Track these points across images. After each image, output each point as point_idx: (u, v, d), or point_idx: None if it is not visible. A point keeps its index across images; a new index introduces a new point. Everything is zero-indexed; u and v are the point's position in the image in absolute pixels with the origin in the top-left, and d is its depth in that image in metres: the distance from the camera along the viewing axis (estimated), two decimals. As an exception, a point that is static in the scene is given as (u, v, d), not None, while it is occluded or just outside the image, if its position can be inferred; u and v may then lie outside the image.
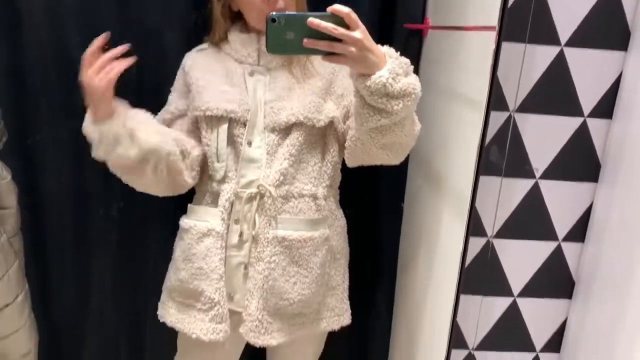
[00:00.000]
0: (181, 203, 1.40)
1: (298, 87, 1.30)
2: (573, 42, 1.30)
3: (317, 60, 1.33)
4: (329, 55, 1.00)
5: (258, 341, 1.32)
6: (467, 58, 1.32)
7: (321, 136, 1.34)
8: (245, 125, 1.28)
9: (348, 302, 1.46)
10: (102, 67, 1.14)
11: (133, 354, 1.82)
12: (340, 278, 1.43)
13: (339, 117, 1.31)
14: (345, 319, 1.46)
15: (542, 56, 1.30)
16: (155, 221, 1.65)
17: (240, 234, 1.30)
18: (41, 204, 1.64)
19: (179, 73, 1.39)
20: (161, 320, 1.40)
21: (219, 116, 1.28)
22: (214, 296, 1.30)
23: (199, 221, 1.33)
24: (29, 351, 1.53)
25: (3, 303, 1.40)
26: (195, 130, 1.36)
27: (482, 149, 1.14)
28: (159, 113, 1.38)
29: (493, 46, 1.09)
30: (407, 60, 1.08)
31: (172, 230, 1.41)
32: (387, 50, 1.06)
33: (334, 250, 1.39)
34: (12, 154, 1.49)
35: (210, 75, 1.32)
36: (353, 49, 0.99)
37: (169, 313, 1.39)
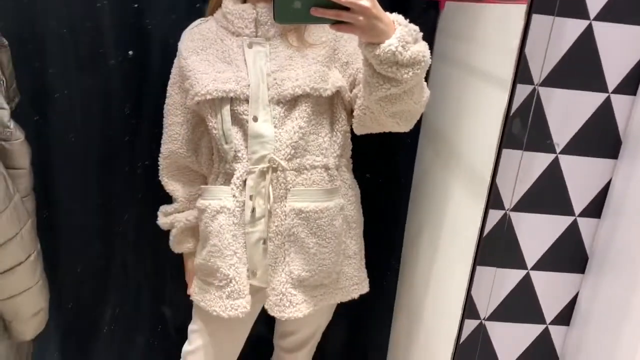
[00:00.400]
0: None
1: (300, 55, 1.28)
2: (602, 16, 1.28)
3: (318, 27, 1.31)
4: (336, 24, 0.98)
5: (284, 314, 1.34)
6: (487, 31, 1.31)
7: (329, 106, 1.33)
8: (247, 101, 1.27)
9: (365, 271, 1.48)
10: None
11: (149, 316, 1.86)
12: (357, 247, 1.44)
13: (345, 86, 1.30)
14: (364, 287, 1.47)
15: (570, 30, 1.29)
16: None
17: (253, 210, 1.31)
18: (54, 164, 1.66)
19: (176, 60, 1.38)
20: (190, 298, 1.44)
21: (220, 98, 1.27)
22: (228, 272, 1.32)
23: (212, 200, 1.34)
24: (41, 309, 1.55)
25: (16, 261, 1.42)
26: (194, 132, 1.41)
27: (507, 123, 1.14)
28: (164, 143, 1.45)
29: (522, 20, 1.08)
30: (416, 27, 1.06)
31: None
32: (396, 18, 1.04)
33: (349, 219, 1.40)
34: (26, 114, 1.51)
35: (204, 56, 1.31)
36: (361, 17, 0.98)
37: (195, 291, 1.42)
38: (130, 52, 1.57)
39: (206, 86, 1.27)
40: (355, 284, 1.44)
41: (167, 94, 1.40)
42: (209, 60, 1.30)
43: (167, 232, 1.61)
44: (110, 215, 1.70)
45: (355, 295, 1.45)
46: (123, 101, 1.59)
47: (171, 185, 1.48)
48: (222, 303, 1.34)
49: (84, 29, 1.52)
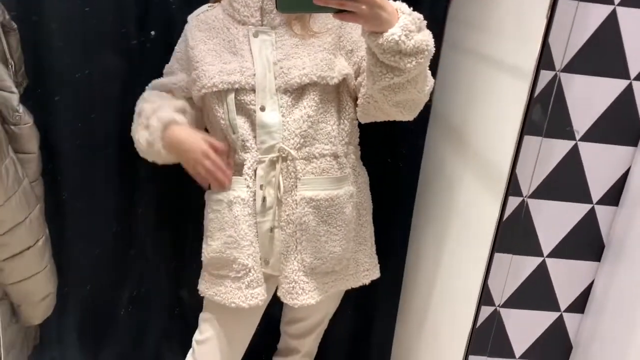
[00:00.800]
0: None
1: (306, 43, 1.27)
2: (626, 2, 1.26)
3: (322, 14, 1.29)
4: (339, 12, 0.97)
5: (297, 302, 1.34)
6: (501, 19, 1.29)
7: (336, 94, 1.32)
8: (254, 91, 1.26)
9: (376, 257, 1.48)
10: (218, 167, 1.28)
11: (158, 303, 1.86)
12: (368, 233, 1.44)
13: (351, 73, 1.29)
14: (375, 273, 1.47)
15: (593, 15, 1.27)
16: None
17: (264, 200, 1.31)
18: (73, 146, 1.64)
19: (181, 43, 1.37)
20: (202, 295, 1.41)
21: (225, 89, 1.26)
22: (247, 262, 1.31)
23: (225, 190, 1.33)
24: (49, 294, 1.56)
25: (25, 246, 1.42)
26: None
27: (529, 109, 1.12)
28: (164, 77, 1.41)
29: (544, 7, 1.06)
30: (420, 16, 1.04)
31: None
32: (399, 6, 1.03)
33: (358, 206, 1.40)
34: (34, 99, 1.48)
35: (211, 45, 1.29)
36: (364, 6, 0.96)
37: (206, 287, 1.40)
38: (153, 33, 1.54)
39: (212, 78, 1.26)
40: (366, 269, 1.44)
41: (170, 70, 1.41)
42: (215, 51, 1.29)
43: (186, 214, 1.59)
44: (128, 197, 1.69)
45: (367, 281, 1.45)
46: (144, 82, 1.56)
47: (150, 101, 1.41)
48: (241, 293, 1.34)
49: (106, 7, 1.50)
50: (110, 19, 1.52)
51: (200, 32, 1.31)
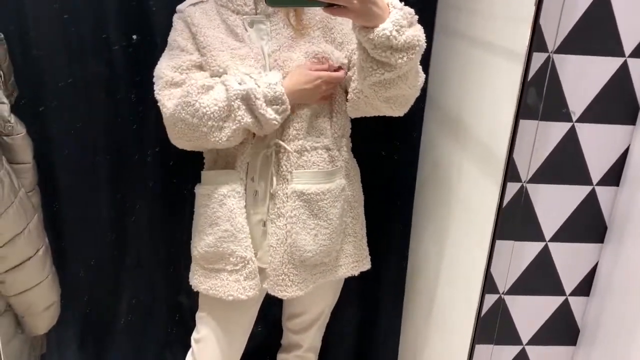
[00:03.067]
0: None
1: (299, 35, 1.27)
2: (617, -20, 1.24)
3: (310, 8, 1.28)
4: (330, 7, 0.96)
5: (286, 294, 1.34)
6: (492, 1, 1.28)
7: None
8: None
9: (367, 249, 1.48)
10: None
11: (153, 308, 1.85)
12: (359, 225, 1.45)
13: (345, 63, 1.29)
14: (365, 265, 1.48)
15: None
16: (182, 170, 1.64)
17: (256, 193, 1.31)
18: (62, 157, 1.63)
19: (181, 27, 1.29)
20: (195, 290, 1.41)
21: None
22: (245, 254, 1.32)
23: (219, 184, 1.32)
24: (53, 303, 1.56)
25: (25, 256, 1.42)
26: None
27: (523, 93, 1.11)
28: (173, 58, 1.28)
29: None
30: (411, 10, 1.03)
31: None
32: (390, 1, 1.02)
33: (350, 199, 1.40)
34: (25, 110, 1.48)
35: (216, 32, 1.26)
36: (355, 0, 0.95)
37: (200, 281, 1.40)
38: (135, 37, 1.52)
39: (225, 62, 1.24)
40: (355, 261, 1.45)
41: (180, 46, 1.29)
42: (220, 38, 1.26)
43: (180, 219, 1.58)
44: (122, 205, 1.69)
45: (356, 272, 1.46)
46: (129, 88, 1.55)
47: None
48: (239, 286, 1.34)
49: (86, 15, 1.48)
50: (90, 26, 1.50)
51: (200, 21, 1.27)
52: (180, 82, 1.25)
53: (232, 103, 1.19)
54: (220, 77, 1.24)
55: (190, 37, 1.28)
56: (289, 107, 1.22)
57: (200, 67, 1.28)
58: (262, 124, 1.22)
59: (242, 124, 1.21)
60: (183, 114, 1.21)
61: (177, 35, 1.29)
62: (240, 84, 1.20)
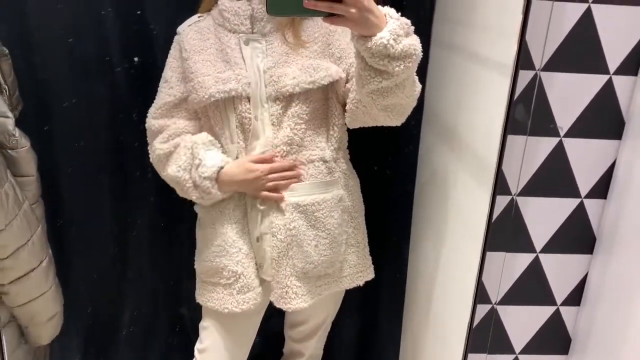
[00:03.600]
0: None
1: (296, 52, 1.29)
2: (600, -2, 1.29)
3: (311, 22, 1.31)
4: (329, 16, 0.99)
5: (290, 306, 1.36)
6: (486, 17, 1.31)
7: (324, 101, 1.34)
8: (249, 99, 1.28)
9: (370, 258, 1.50)
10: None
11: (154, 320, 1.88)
12: (360, 235, 1.46)
13: (343, 77, 1.31)
14: (369, 274, 1.49)
15: (569, 14, 1.29)
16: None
17: (252, 207, 1.34)
18: (66, 172, 1.67)
19: (175, 53, 1.38)
20: (198, 302, 1.44)
21: (223, 99, 1.28)
22: (236, 268, 1.34)
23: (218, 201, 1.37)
24: (56, 313, 1.58)
25: (29, 268, 1.44)
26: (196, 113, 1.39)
27: (510, 109, 1.14)
28: (160, 93, 1.40)
29: (522, 6, 1.09)
30: (408, 21, 1.07)
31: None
32: (387, 11, 1.05)
33: (349, 209, 1.42)
34: (33, 123, 1.51)
35: (205, 56, 1.31)
36: (353, 10, 0.99)
37: (200, 293, 1.43)
38: (136, 59, 1.57)
39: (208, 89, 1.28)
40: (359, 271, 1.46)
41: (165, 77, 1.40)
42: (209, 61, 1.30)
43: (180, 233, 1.61)
44: (124, 220, 1.72)
45: (360, 283, 1.47)
46: (131, 107, 1.60)
47: (162, 121, 1.41)
48: (233, 299, 1.36)
49: (89, 37, 1.53)
50: (93, 47, 1.55)
51: (193, 42, 1.33)
52: (161, 129, 1.40)
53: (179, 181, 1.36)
54: (205, 102, 1.30)
55: (178, 66, 1.37)
56: (218, 193, 1.33)
57: (183, 99, 1.37)
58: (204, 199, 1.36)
59: (192, 196, 1.36)
60: (162, 174, 1.41)
61: (168, 64, 1.40)
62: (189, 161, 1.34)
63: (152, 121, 1.41)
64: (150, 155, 1.43)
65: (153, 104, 1.41)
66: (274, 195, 1.31)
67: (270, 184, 1.29)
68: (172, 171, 1.35)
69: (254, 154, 1.31)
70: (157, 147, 1.39)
